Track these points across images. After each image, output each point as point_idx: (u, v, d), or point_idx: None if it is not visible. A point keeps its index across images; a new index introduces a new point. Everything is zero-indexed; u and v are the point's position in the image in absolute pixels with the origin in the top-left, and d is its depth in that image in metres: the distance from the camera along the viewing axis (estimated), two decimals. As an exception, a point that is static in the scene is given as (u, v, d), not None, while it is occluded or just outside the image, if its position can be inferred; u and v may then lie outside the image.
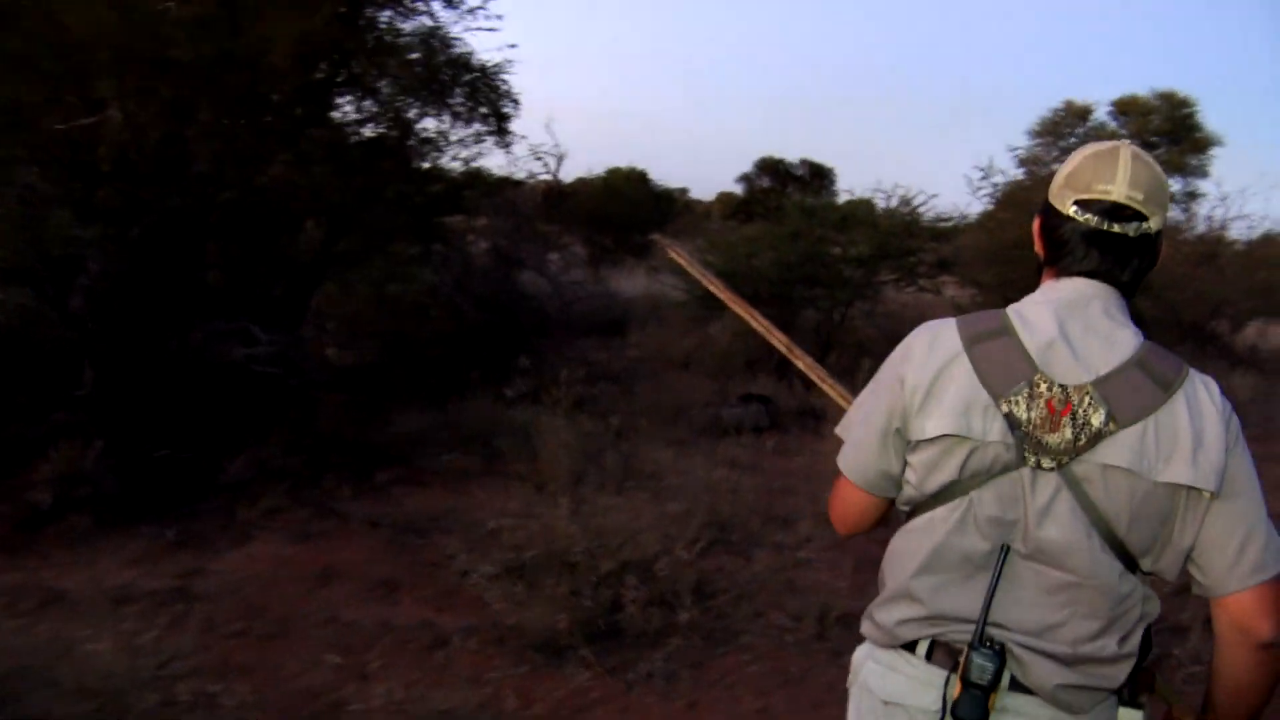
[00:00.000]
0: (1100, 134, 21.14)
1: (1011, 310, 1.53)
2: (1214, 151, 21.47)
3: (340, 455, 6.08)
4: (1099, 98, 22.67)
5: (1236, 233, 13.60)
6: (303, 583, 4.43)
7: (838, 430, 1.69)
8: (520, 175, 17.64)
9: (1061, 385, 1.42)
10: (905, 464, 1.56)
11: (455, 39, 11.27)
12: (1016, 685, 1.47)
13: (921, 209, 10.40)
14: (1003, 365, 1.45)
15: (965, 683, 1.43)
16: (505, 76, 11.84)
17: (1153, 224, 1.50)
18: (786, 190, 27.34)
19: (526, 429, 6.01)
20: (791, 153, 34.24)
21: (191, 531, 4.85)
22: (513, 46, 10.43)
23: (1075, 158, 1.55)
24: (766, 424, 7.89)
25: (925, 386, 1.49)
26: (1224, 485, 1.41)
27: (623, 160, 25.03)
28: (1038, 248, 1.61)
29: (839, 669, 3.90)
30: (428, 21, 11.49)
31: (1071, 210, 1.51)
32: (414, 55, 11.79)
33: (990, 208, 12.03)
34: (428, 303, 8.29)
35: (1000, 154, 18.20)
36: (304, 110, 4.82)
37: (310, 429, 6.13)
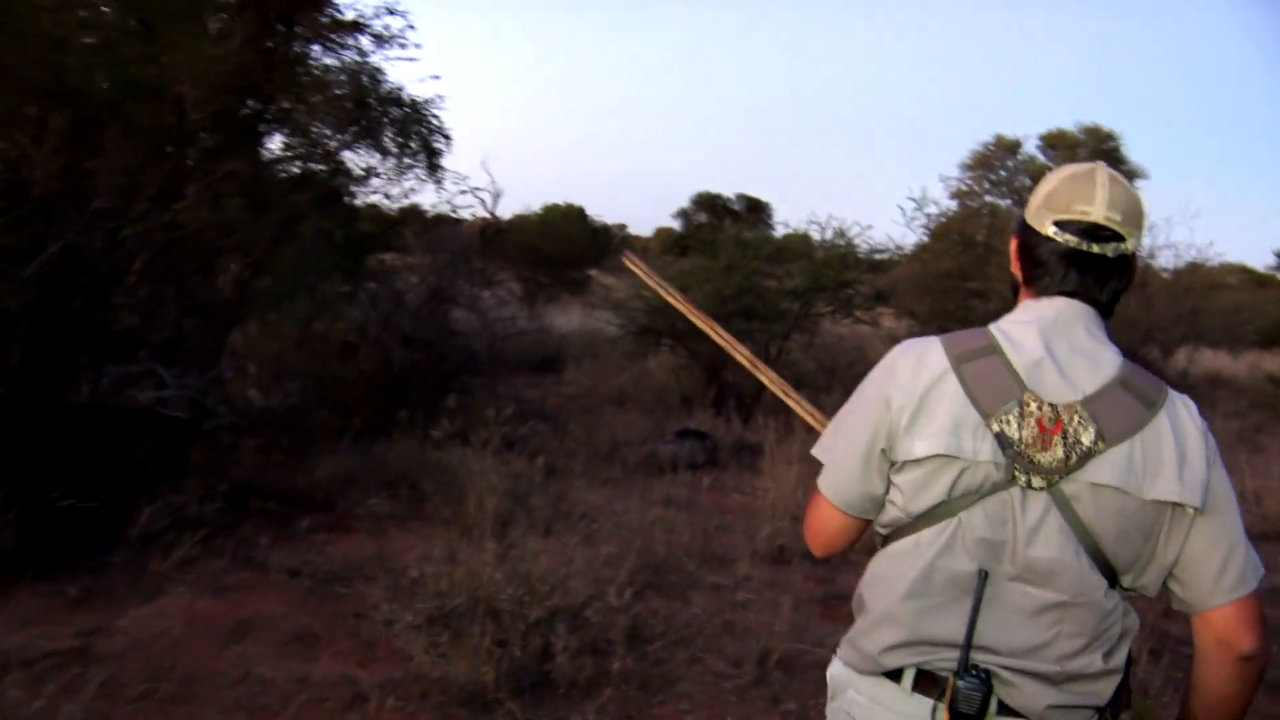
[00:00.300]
0: (1030, 167, 21.76)
1: (995, 329, 1.53)
2: (1138, 183, 22.00)
3: (261, 501, 5.84)
4: (1027, 131, 23.14)
5: (1164, 261, 13.83)
6: (215, 639, 4.17)
7: (815, 452, 1.66)
8: (454, 212, 17.46)
9: (1051, 404, 1.43)
10: (889, 485, 1.54)
11: (382, 74, 11.14)
12: (1004, 709, 1.45)
13: (856, 240, 10.39)
14: (992, 384, 1.45)
15: (953, 712, 1.42)
16: (436, 112, 11.75)
17: (1130, 244, 1.51)
18: (724, 225, 27.49)
19: (454, 471, 5.81)
20: (729, 188, 34.83)
21: (96, 587, 4.57)
22: (436, 78, 10.29)
23: (1052, 179, 1.56)
24: (703, 460, 7.75)
25: (913, 406, 1.47)
26: (1207, 501, 1.43)
27: (561, 198, 25.01)
28: (1014, 268, 1.63)
29: (779, 717, 3.76)
30: (355, 56, 11.36)
31: (1051, 231, 1.52)
32: (341, 91, 11.65)
33: (924, 239, 12.10)
34: (356, 341, 8.06)
35: (933, 185, 18.40)
36: (218, 142, 4.61)
37: (228, 475, 5.87)
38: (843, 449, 1.58)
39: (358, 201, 11.95)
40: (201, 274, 5.34)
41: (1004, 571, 1.44)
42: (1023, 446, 1.41)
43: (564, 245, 21.58)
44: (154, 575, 4.68)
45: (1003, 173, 20.72)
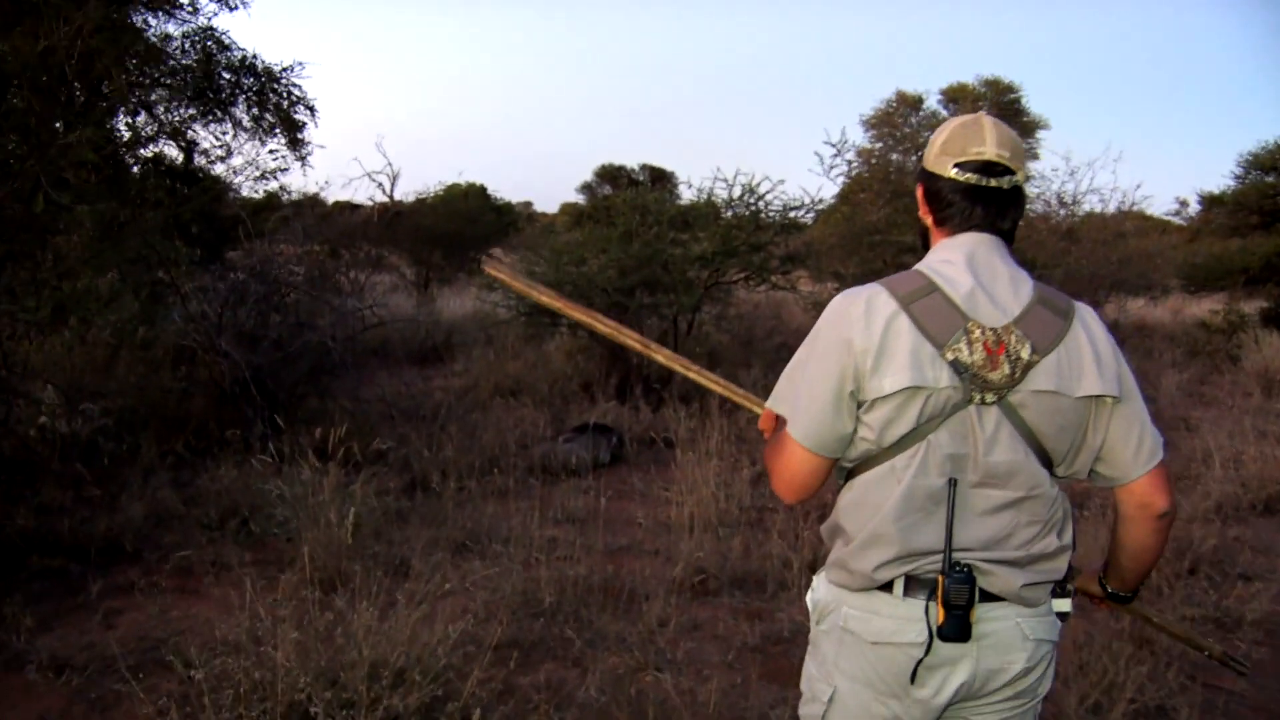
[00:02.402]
0: (933, 123, 21.36)
1: (927, 269, 1.71)
2: (1040, 133, 21.85)
3: (45, 559, 4.59)
4: (928, 87, 22.54)
5: (1089, 206, 13.13)
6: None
7: (769, 405, 1.82)
8: (320, 193, 16.09)
9: (992, 328, 1.63)
10: (858, 423, 1.68)
11: (230, 42, 9.89)
12: (986, 595, 1.66)
13: (769, 196, 9.30)
14: (939, 318, 1.63)
15: (946, 606, 1.61)
16: (296, 81, 10.41)
17: (1020, 176, 1.75)
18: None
19: (286, 504, 4.60)
20: (633, 159, 34.27)
21: None
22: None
23: (945, 129, 1.79)
24: (607, 459, 6.64)
25: (875, 347, 1.62)
26: (1122, 389, 1.68)
27: (465, 178, 23.76)
28: (923, 213, 1.82)
29: None
30: (191, 18, 10.02)
31: (953, 172, 1.73)
32: (188, 61, 10.28)
33: (846, 184, 11.03)
34: (194, 346, 6.76)
35: (853, 127, 17.58)
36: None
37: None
38: (809, 395, 1.70)
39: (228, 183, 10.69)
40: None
41: (968, 480, 1.65)
42: (976, 369, 1.62)
43: (464, 225, 20.32)
44: None
45: (906, 129, 20.09)
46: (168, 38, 9.70)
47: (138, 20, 9.60)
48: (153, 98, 9.96)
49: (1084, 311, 1.71)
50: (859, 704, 1.72)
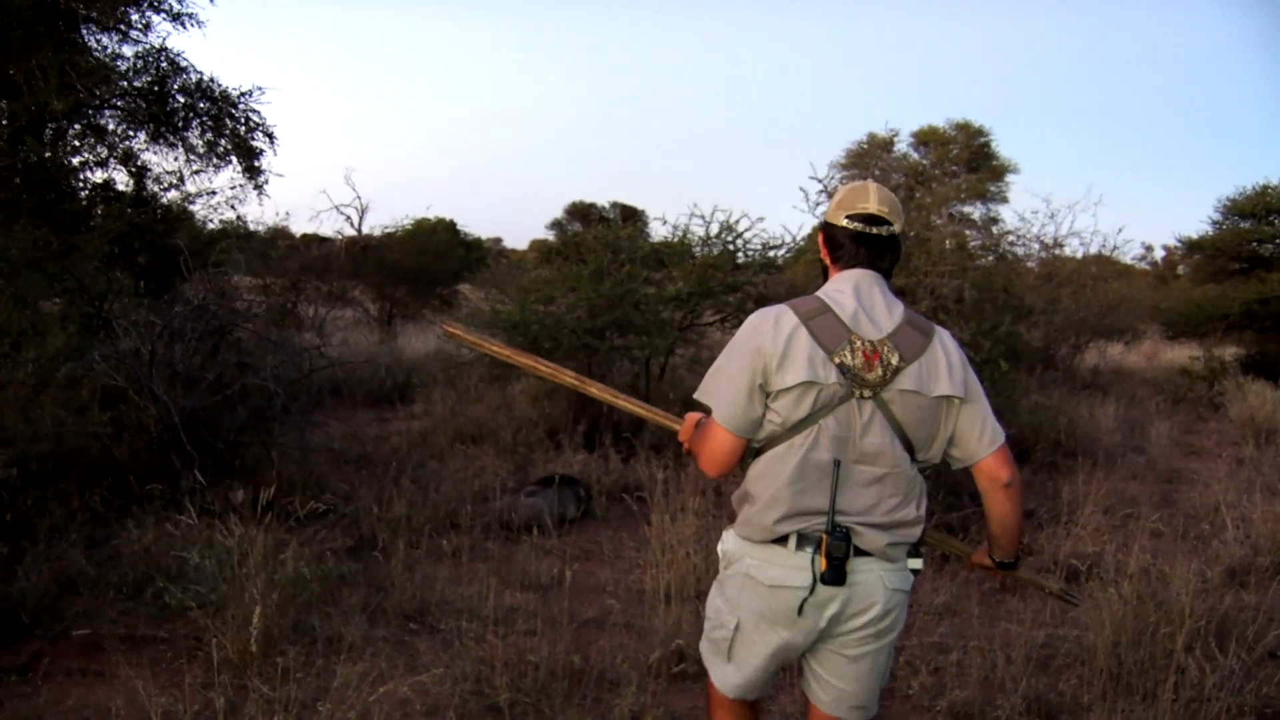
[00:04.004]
0: (904, 164, 21.30)
1: (823, 295, 2.24)
2: (1009, 177, 22.01)
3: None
4: (899, 127, 22.49)
5: (1070, 250, 12.86)
6: None
7: (697, 395, 2.27)
8: (285, 225, 15.46)
9: (870, 340, 2.16)
10: (766, 409, 2.19)
11: (186, 63, 9.41)
12: (858, 551, 2.16)
13: (747, 234, 8.82)
14: (830, 331, 2.16)
15: (829, 557, 2.10)
16: (255, 106, 9.93)
17: (896, 227, 2.28)
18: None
19: (205, 573, 4.04)
20: (604, 197, 34.17)
21: None
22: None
23: (841, 191, 2.33)
24: (574, 514, 6.11)
25: (780, 352, 2.14)
26: (967, 392, 2.21)
27: (435, 213, 23.35)
28: (824, 255, 2.37)
29: None
30: (142, 37, 9.59)
31: (844, 222, 2.27)
32: (140, 82, 9.76)
33: (821, 225, 10.62)
34: (122, 388, 6.17)
35: (823, 169, 17.32)
36: None
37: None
38: (728, 388, 2.20)
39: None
40: None
41: (850, 457, 2.16)
42: (856, 371, 2.14)
43: (431, 260, 19.84)
44: None
45: (876, 171, 19.89)
46: (118, 57, 9.18)
47: (90, 40, 9.10)
48: (102, 119, 9.43)
49: (941, 333, 2.26)
50: (758, 632, 2.26)
